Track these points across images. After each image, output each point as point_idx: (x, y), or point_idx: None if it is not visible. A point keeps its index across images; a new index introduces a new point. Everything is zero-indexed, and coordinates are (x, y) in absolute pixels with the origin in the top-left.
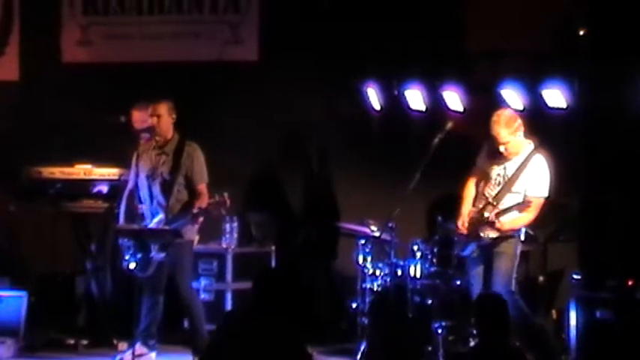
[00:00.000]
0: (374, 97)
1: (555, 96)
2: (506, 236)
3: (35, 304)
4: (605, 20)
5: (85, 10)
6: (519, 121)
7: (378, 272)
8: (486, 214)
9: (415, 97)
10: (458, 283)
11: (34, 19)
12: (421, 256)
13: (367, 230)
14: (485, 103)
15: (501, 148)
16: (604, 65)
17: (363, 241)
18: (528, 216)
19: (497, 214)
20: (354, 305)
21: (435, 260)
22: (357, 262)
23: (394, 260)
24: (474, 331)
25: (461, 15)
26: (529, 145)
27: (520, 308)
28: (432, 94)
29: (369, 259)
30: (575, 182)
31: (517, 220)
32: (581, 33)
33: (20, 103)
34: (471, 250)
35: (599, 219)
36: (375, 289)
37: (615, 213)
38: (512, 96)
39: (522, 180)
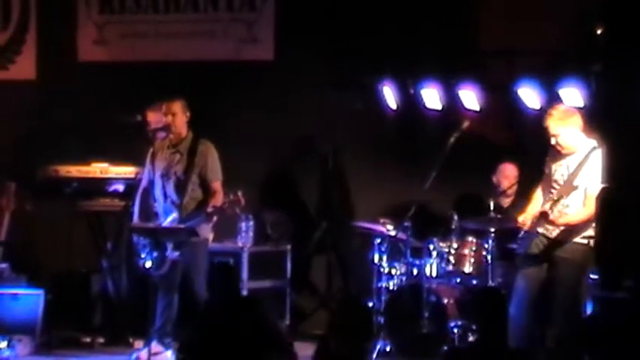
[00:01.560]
0: (390, 95)
1: (572, 95)
2: (572, 241)
3: (52, 302)
4: (622, 18)
5: (101, 9)
6: (576, 117)
7: (393, 271)
8: (542, 209)
9: (431, 96)
10: (474, 282)
11: (50, 19)
12: (437, 256)
13: (383, 229)
14: (501, 102)
15: (552, 141)
16: (621, 64)
17: (378, 240)
18: (586, 211)
19: (552, 205)
20: (369, 304)
21: (450, 259)
22: (373, 261)
23: (410, 259)
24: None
25: (477, 13)
26: (590, 142)
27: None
28: (448, 92)
29: (384, 258)
30: None
31: (575, 215)
32: (598, 31)
33: (37, 102)
34: (525, 246)
35: (615, 219)
36: (390, 289)
37: (632, 212)
38: (529, 95)
39: (583, 175)
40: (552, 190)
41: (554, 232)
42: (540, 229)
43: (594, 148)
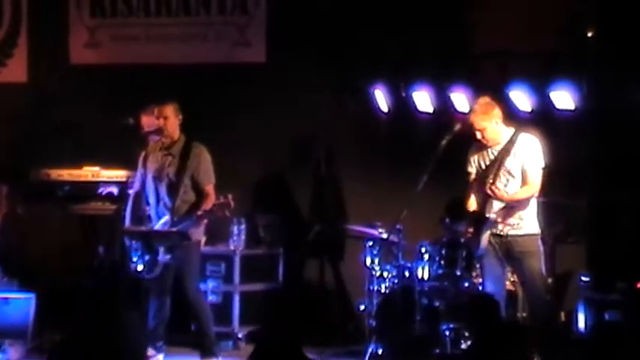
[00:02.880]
0: (382, 98)
1: (563, 98)
2: (524, 234)
3: (43, 306)
4: (614, 22)
5: (93, 12)
6: (497, 109)
7: (385, 274)
8: (487, 190)
9: (423, 99)
10: (466, 285)
11: (41, 21)
12: (429, 258)
13: (375, 232)
14: None
15: (478, 135)
16: (612, 67)
17: (370, 243)
18: (529, 188)
19: (492, 184)
20: (361, 307)
21: (442, 262)
22: (365, 264)
23: (402, 262)
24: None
25: (469, 16)
26: (510, 130)
27: (553, 307)
28: (440, 95)
29: (376, 261)
30: (584, 183)
31: (521, 194)
32: (590, 34)
33: (28, 105)
34: (482, 246)
35: (607, 220)
36: (382, 291)
37: (624, 214)
38: (520, 98)
39: (516, 161)
40: (484, 180)
41: (505, 229)
42: (487, 215)
43: (515, 133)
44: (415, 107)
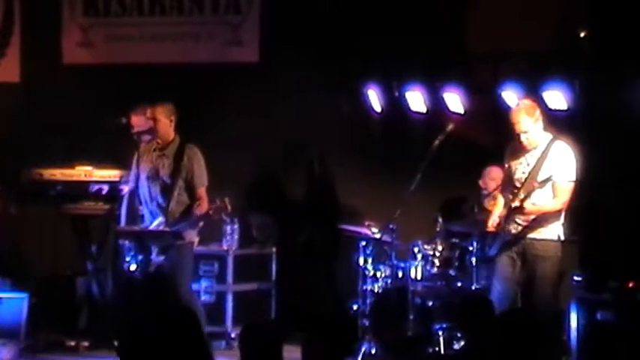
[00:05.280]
0: (375, 98)
1: (556, 97)
2: (542, 239)
3: (36, 306)
4: (606, 21)
5: (86, 11)
6: (539, 110)
7: (378, 274)
8: (513, 204)
9: (416, 99)
10: (459, 284)
11: (34, 21)
12: (422, 258)
13: (368, 232)
14: (485, 105)
15: (522, 137)
16: (605, 66)
17: (363, 243)
18: (557, 201)
19: (522, 200)
20: (354, 307)
21: (435, 262)
22: (358, 264)
23: (395, 262)
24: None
25: (461, 16)
26: (548, 135)
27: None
28: (433, 95)
29: (369, 260)
30: (576, 183)
31: (547, 205)
32: (582, 34)
33: (21, 104)
34: (497, 248)
35: (599, 220)
36: (375, 291)
37: (616, 214)
38: (513, 97)
39: (546, 169)
40: (514, 190)
41: (523, 223)
42: (512, 229)
43: (552, 140)
44: (408, 107)
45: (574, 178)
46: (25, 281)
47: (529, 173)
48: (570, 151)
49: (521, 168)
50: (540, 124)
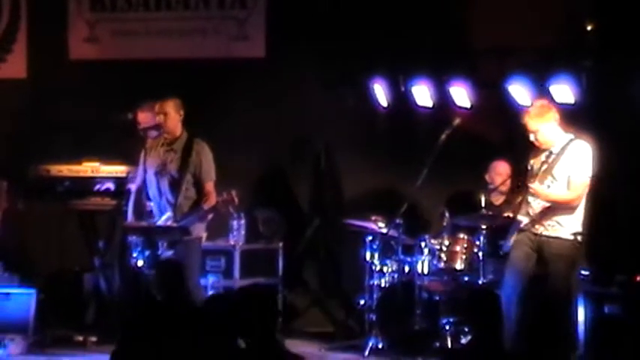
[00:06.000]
0: (381, 93)
1: (562, 91)
2: (556, 237)
3: (44, 301)
4: (612, 15)
5: (93, 6)
6: (553, 111)
7: (385, 269)
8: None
9: (422, 94)
10: (466, 279)
11: (41, 17)
12: (429, 253)
13: (375, 227)
14: (492, 99)
15: (531, 137)
16: (611, 60)
17: (370, 238)
18: (570, 193)
19: (532, 181)
20: (361, 302)
21: (442, 256)
22: (365, 259)
23: (402, 257)
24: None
25: (468, 11)
26: (568, 135)
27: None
28: (439, 90)
29: (376, 255)
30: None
31: (559, 194)
32: (589, 28)
33: (28, 100)
34: (509, 243)
35: (607, 214)
36: (382, 286)
37: (623, 209)
38: (520, 92)
39: (561, 166)
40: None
41: (540, 229)
42: (524, 219)
43: (571, 140)
44: (414, 102)
45: (590, 174)
46: (33, 277)
47: (546, 168)
48: (588, 148)
49: (539, 164)
50: (554, 124)
